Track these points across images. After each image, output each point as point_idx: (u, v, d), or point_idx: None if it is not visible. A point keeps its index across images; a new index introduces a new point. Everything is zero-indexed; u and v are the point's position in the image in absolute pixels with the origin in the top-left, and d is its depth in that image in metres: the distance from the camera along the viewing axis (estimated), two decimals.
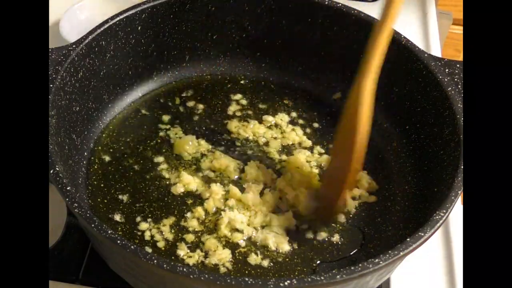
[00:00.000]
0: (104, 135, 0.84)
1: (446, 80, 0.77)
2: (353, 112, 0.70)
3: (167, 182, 0.79)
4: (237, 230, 0.74)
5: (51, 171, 0.65)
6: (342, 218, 0.77)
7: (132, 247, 0.59)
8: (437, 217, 0.64)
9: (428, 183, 0.76)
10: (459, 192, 0.67)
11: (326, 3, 0.86)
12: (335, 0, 0.86)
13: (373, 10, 0.82)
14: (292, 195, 0.77)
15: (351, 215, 0.78)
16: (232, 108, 0.89)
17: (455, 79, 0.78)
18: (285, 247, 0.74)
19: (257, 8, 0.88)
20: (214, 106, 0.89)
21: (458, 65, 0.79)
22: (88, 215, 0.62)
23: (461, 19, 1.14)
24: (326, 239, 0.75)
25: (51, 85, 0.72)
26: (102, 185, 0.79)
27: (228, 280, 0.58)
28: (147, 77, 0.89)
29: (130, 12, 0.82)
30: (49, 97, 0.71)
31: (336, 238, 0.76)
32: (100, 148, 0.82)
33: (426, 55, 0.80)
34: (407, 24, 1.09)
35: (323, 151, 0.85)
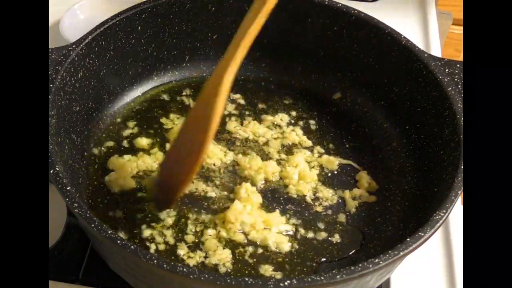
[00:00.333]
0: (104, 135, 0.84)
1: (446, 80, 0.77)
2: (206, 102, 0.68)
3: None
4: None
5: (51, 171, 0.65)
6: (342, 218, 0.78)
7: (132, 247, 0.59)
8: (437, 217, 0.64)
9: (428, 183, 0.77)
10: (459, 192, 0.67)
11: (326, 3, 0.86)
12: (335, 0, 0.86)
13: (373, 10, 0.82)
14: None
15: (351, 215, 0.78)
16: (232, 108, 0.89)
17: (455, 79, 0.78)
18: (285, 247, 0.74)
19: None
20: None
21: (458, 65, 0.79)
22: (88, 215, 0.62)
23: (461, 19, 1.14)
24: (326, 239, 0.76)
25: (51, 85, 0.72)
26: (102, 185, 0.78)
27: (228, 280, 0.58)
28: (147, 77, 0.89)
29: (130, 12, 0.82)
30: (49, 97, 0.71)
31: (336, 238, 0.76)
32: (100, 148, 0.82)
33: (426, 55, 0.80)
34: (407, 24, 1.09)
35: (323, 151, 0.85)
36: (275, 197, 0.79)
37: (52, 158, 0.66)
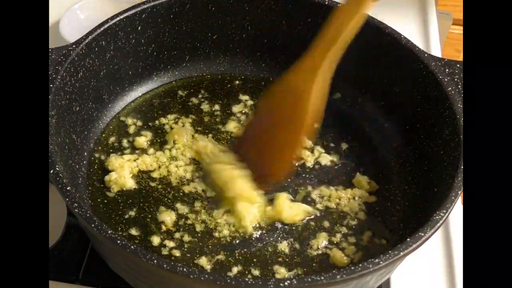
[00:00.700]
0: (104, 135, 0.84)
1: (446, 80, 0.77)
2: (300, 89, 0.71)
3: (168, 181, 0.79)
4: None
5: (51, 171, 0.65)
6: (342, 218, 0.77)
7: (132, 247, 0.59)
8: (437, 217, 0.64)
9: (428, 183, 0.76)
10: (459, 192, 0.67)
11: (326, 3, 0.86)
12: (335, 0, 0.86)
13: (373, 10, 0.82)
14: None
15: (351, 215, 0.78)
16: (232, 108, 0.89)
17: (455, 79, 0.78)
18: (285, 246, 0.74)
19: (257, 8, 0.88)
20: (214, 106, 0.89)
21: (458, 65, 0.79)
22: (88, 215, 0.62)
23: (461, 19, 1.14)
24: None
25: (51, 85, 0.72)
26: (102, 185, 0.79)
27: (228, 280, 0.58)
28: (147, 77, 0.89)
29: (130, 12, 0.82)
30: (49, 97, 0.71)
31: (336, 238, 0.76)
32: (100, 148, 0.82)
33: (426, 55, 0.80)
34: (407, 24, 1.09)
35: (323, 151, 0.85)
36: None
37: (52, 158, 0.66)
